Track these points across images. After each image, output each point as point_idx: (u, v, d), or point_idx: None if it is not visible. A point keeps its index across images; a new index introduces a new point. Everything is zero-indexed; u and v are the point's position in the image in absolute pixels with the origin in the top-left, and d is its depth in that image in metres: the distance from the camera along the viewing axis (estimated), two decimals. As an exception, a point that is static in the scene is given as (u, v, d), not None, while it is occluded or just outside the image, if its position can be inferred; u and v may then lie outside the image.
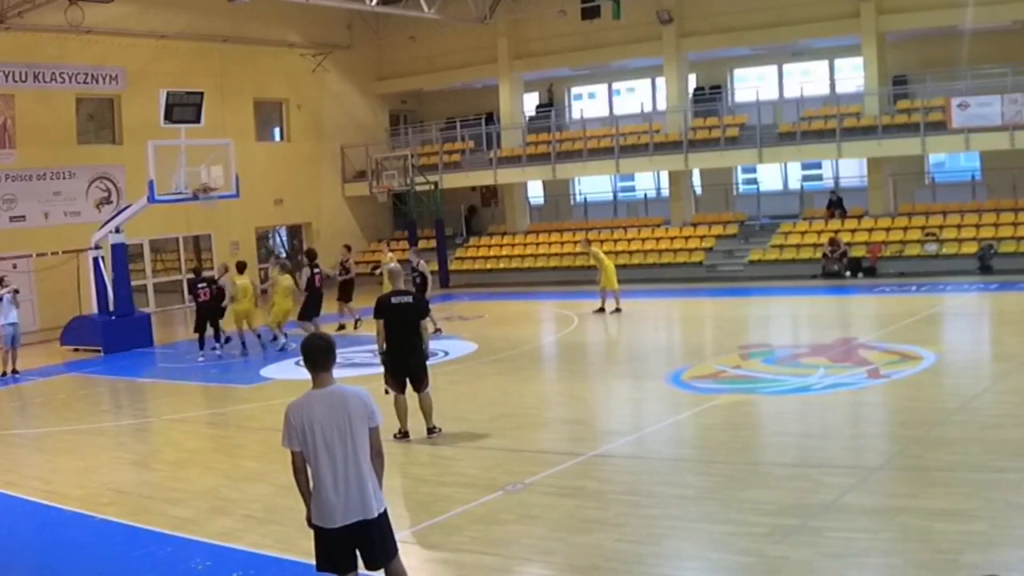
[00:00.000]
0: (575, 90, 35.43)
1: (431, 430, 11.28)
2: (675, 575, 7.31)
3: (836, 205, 28.13)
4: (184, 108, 20.77)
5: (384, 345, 11.15)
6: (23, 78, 25.90)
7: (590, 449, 10.69)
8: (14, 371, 18.13)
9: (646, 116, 31.80)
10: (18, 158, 25.93)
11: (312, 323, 18.83)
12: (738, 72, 31.98)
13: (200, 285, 18.92)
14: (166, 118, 20.55)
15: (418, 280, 19.54)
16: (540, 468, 9.94)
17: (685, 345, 19.14)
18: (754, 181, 31.60)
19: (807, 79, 30.75)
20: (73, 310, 23.33)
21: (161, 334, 22.85)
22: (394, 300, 11.19)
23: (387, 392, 11.15)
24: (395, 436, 11.07)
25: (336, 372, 6.05)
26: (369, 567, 6.04)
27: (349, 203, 34.99)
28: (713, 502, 8.70)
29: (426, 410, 11.28)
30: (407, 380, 11.19)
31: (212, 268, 22.90)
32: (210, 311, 19.03)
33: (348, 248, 23.63)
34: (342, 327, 20.91)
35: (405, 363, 11.16)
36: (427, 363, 11.41)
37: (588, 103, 35.12)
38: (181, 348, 21.24)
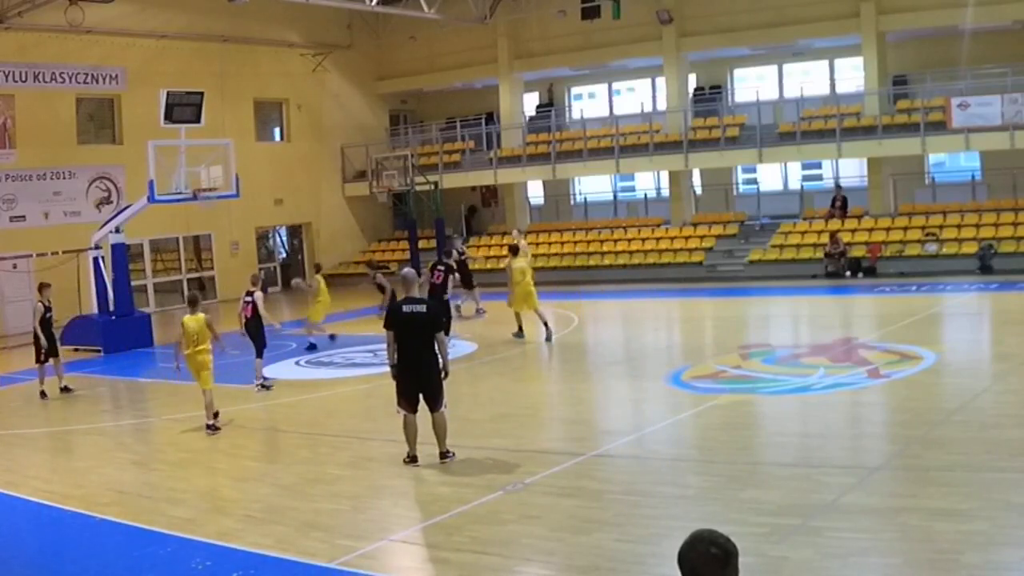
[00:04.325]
0: (575, 90, 35.41)
1: (444, 454, 10.32)
2: (675, 575, 7.31)
3: (841, 204, 27.97)
4: (184, 108, 20.75)
5: (395, 358, 10.26)
6: (23, 78, 25.91)
7: (590, 449, 10.68)
8: None
9: (646, 116, 31.77)
10: (18, 158, 25.95)
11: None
12: (738, 72, 31.96)
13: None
14: (166, 118, 20.53)
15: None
16: (540, 468, 9.93)
17: (685, 345, 19.14)
18: (754, 181, 31.58)
19: (807, 79, 30.72)
20: (73, 310, 23.32)
21: (161, 334, 22.80)
22: (406, 309, 10.25)
23: (399, 412, 10.36)
24: (404, 461, 10.32)
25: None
26: None
27: (349, 203, 34.99)
28: (713, 502, 8.70)
29: (440, 433, 10.30)
30: (420, 398, 10.28)
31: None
32: None
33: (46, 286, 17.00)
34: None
35: (417, 380, 10.22)
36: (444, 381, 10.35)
37: (588, 103, 35.10)
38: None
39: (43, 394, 16.03)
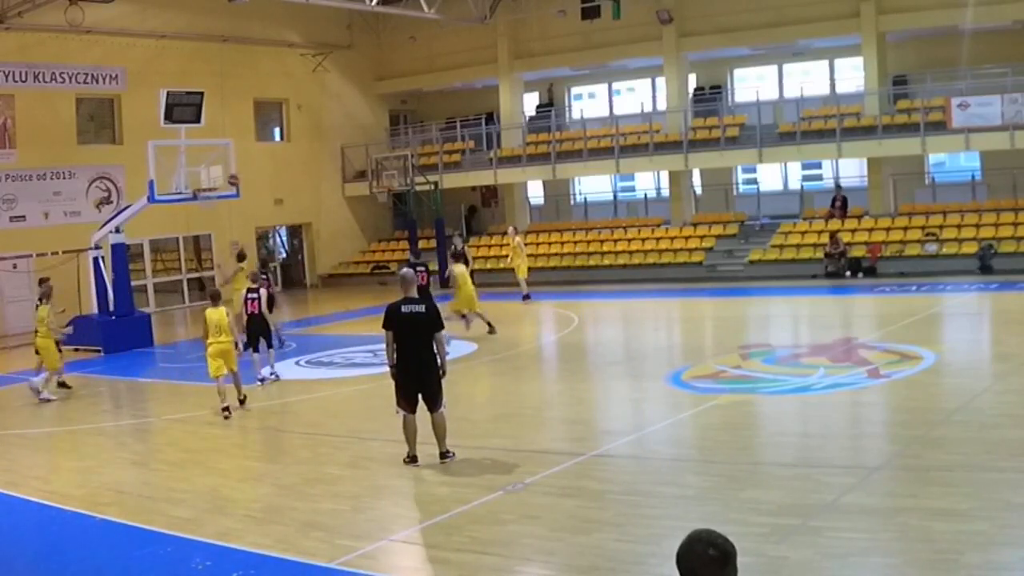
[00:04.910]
0: (575, 90, 35.40)
1: (444, 454, 10.34)
2: (674, 575, 7.31)
3: (841, 204, 27.94)
4: (184, 108, 20.75)
5: (394, 359, 10.28)
6: (23, 78, 25.90)
7: (590, 449, 10.68)
8: None
9: (646, 116, 31.76)
10: (18, 158, 25.94)
11: None
12: (738, 72, 31.95)
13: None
14: (166, 118, 20.54)
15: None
16: (540, 468, 9.93)
17: (685, 345, 19.14)
18: (754, 181, 31.57)
19: (807, 79, 30.71)
20: (73, 310, 23.31)
21: (161, 334, 22.85)
22: (404, 309, 10.23)
23: (399, 412, 10.40)
24: (404, 461, 10.34)
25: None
26: None
27: (349, 203, 34.98)
28: (713, 502, 8.70)
29: (440, 433, 10.32)
30: (419, 398, 10.31)
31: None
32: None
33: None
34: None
35: (417, 380, 10.26)
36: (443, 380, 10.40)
37: (588, 103, 35.10)
38: (181, 348, 21.24)
39: (63, 384, 16.43)
